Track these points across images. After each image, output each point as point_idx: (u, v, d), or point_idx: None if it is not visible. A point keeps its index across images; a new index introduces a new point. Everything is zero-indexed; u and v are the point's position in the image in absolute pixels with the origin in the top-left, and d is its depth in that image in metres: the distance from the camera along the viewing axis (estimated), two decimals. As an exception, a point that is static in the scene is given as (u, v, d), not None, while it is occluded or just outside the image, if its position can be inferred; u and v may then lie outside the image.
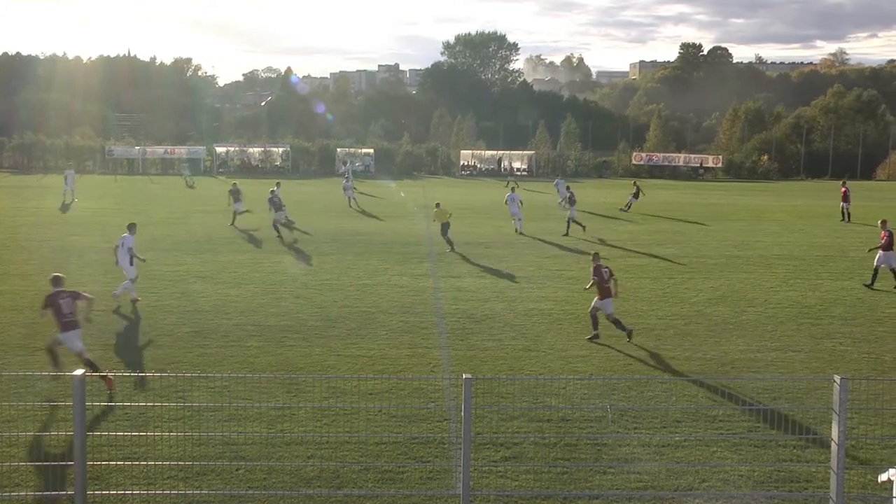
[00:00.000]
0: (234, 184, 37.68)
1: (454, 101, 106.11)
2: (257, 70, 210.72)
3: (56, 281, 13.81)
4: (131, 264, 20.43)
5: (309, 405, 12.85)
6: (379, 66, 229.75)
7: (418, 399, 13.46)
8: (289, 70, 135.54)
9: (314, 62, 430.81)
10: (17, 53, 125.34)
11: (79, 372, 6.97)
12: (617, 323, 17.10)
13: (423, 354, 16.04)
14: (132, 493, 9.48)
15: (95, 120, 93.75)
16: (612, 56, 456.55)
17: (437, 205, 30.81)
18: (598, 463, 10.92)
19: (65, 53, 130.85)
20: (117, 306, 19.46)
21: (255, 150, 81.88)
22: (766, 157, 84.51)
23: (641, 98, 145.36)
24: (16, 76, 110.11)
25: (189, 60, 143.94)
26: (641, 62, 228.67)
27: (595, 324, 17.22)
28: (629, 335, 17.02)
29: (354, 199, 45.07)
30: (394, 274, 24.38)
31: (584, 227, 34.01)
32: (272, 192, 32.79)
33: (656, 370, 15.39)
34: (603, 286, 17.09)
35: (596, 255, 18.13)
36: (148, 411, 12.22)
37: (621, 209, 43.29)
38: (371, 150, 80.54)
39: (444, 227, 29.69)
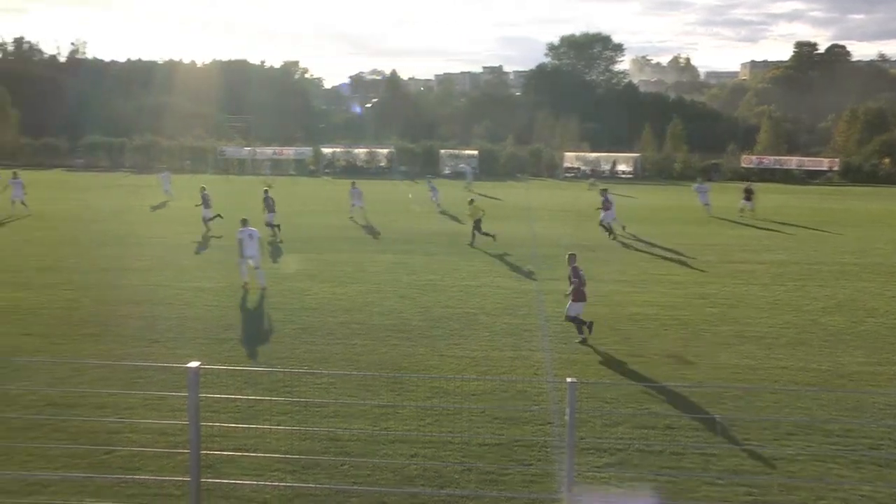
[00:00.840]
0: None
1: (558, 103, 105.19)
2: (363, 72, 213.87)
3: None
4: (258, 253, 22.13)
5: (412, 404, 12.97)
6: (483, 67, 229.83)
7: (521, 401, 13.41)
8: (394, 72, 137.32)
9: (419, 64, 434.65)
10: (139, 59, 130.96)
11: (194, 364, 7.20)
12: (578, 324, 17.05)
13: (527, 357, 15.97)
14: (242, 483, 9.74)
15: (209, 122, 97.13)
16: (721, 56, 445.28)
17: (471, 201, 31.67)
18: (707, 473, 10.65)
19: (181, 58, 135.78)
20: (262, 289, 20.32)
21: (360, 152, 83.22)
22: (888, 160, 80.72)
23: (752, 99, 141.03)
24: (136, 81, 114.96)
25: (297, 63, 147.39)
26: (752, 62, 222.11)
27: (579, 327, 17.09)
28: (583, 341, 16.87)
29: (438, 202, 45.19)
30: (497, 276, 24.36)
31: (610, 234, 32.91)
32: (266, 191, 33.96)
33: (766, 380, 14.90)
34: (580, 289, 17.03)
35: (572, 256, 17.80)
36: (257, 405, 12.55)
37: (740, 213, 41.79)
38: (475, 152, 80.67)
39: (477, 224, 30.56)
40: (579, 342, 16.96)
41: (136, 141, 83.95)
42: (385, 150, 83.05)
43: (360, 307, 19.91)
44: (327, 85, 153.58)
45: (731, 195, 48.76)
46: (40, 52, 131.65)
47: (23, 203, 37.89)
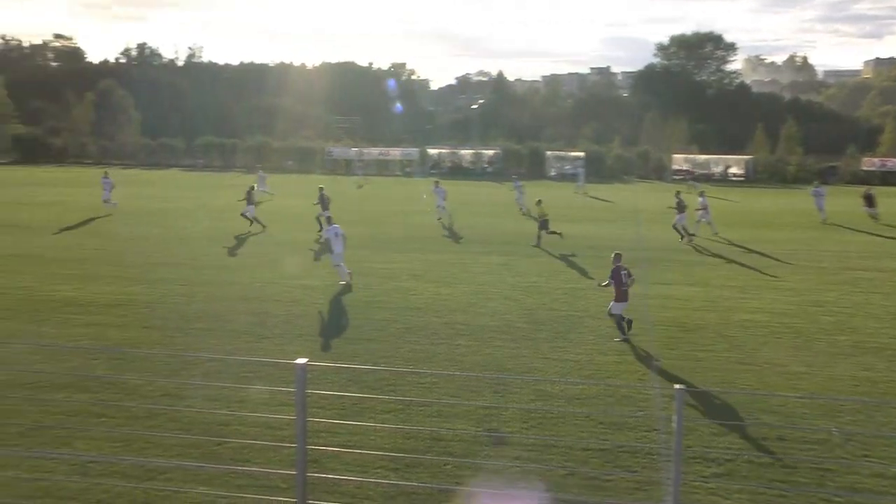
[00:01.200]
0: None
1: (667, 104, 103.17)
2: (469, 74, 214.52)
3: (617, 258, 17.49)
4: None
5: (516, 406, 12.91)
6: (591, 68, 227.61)
7: (626, 406, 13.18)
8: (500, 73, 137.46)
9: (526, 65, 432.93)
10: (251, 62, 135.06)
11: (301, 361, 7.34)
12: (619, 323, 17.35)
13: (632, 361, 15.70)
14: (347, 479, 9.89)
15: (317, 123, 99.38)
16: (840, 53, 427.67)
17: (539, 202, 32.41)
18: (822, 489, 10.22)
19: (292, 61, 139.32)
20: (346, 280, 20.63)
21: (466, 153, 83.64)
22: None
23: (875, 98, 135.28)
24: (249, 84, 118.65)
25: (404, 65, 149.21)
26: (877, 59, 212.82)
27: (620, 327, 17.35)
28: (625, 340, 17.08)
29: (522, 204, 44.56)
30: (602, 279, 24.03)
31: (683, 237, 32.09)
32: (321, 189, 34.50)
33: (889, 394, 14.22)
34: (620, 289, 17.30)
35: (617, 256, 17.88)
36: (361, 402, 12.72)
37: (874, 220, 39.91)
38: (581, 154, 79.94)
39: (543, 223, 31.32)
40: (619, 341, 17.02)
41: (248, 142, 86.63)
42: (491, 152, 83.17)
43: (464, 308, 19.96)
44: (434, 86, 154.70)
45: (848, 199, 46.85)
46: (160, 56, 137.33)
47: (107, 202, 38.99)
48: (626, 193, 58.11)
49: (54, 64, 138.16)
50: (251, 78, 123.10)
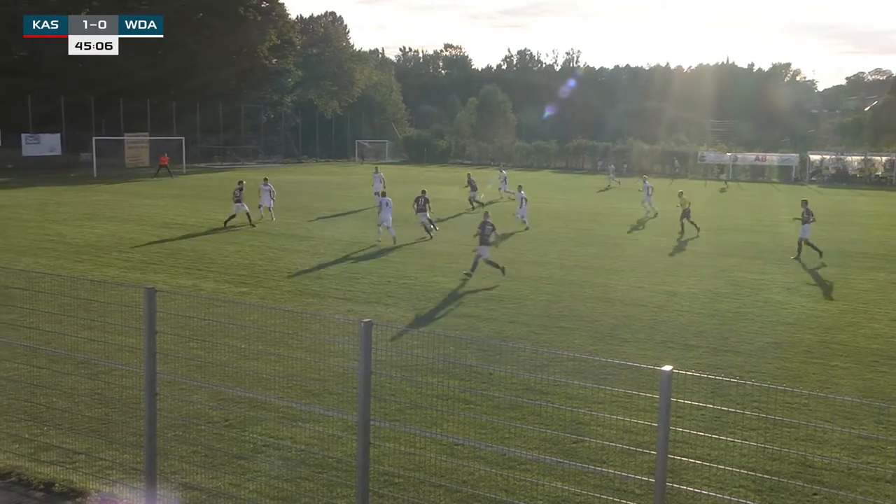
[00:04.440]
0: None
1: None
2: (863, 73, 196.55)
3: None
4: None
5: (901, 440, 11.60)
6: None
7: None
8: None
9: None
10: (626, 66, 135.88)
11: (667, 368, 7.19)
12: (491, 263, 23.03)
13: None
14: (705, 493, 9.53)
15: (691, 126, 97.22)
16: None
17: (681, 193, 35.00)
18: None
19: (667, 63, 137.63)
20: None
21: (852, 159, 76.90)
22: None
23: None
24: (622, 87, 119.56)
25: (787, 66, 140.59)
26: None
27: (474, 266, 23.12)
28: (503, 271, 22.95)
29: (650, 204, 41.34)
30: None
31: (820, 252, 27.63)
32: (423, 192, 32.23)
33: None
34: (484, 237, 23.28)
35: (486, 214, 24.71)
36: (724, 416, 12.21)
37: None
38: None
39: (685, 213, 33.67)
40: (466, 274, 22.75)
41: (619, 145, 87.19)
42: (883, 158, 75.61)
43: (842, 326, 18.36)
44: (820, 87, 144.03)
45: None
46: (539, 62, 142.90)
47: (269, 209, 35.39)
48: None
49: (444, 72, 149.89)
50: (625, 81, 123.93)
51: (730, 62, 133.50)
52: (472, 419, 11.92)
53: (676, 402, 12.27)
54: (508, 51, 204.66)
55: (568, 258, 27.15)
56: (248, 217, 33.43)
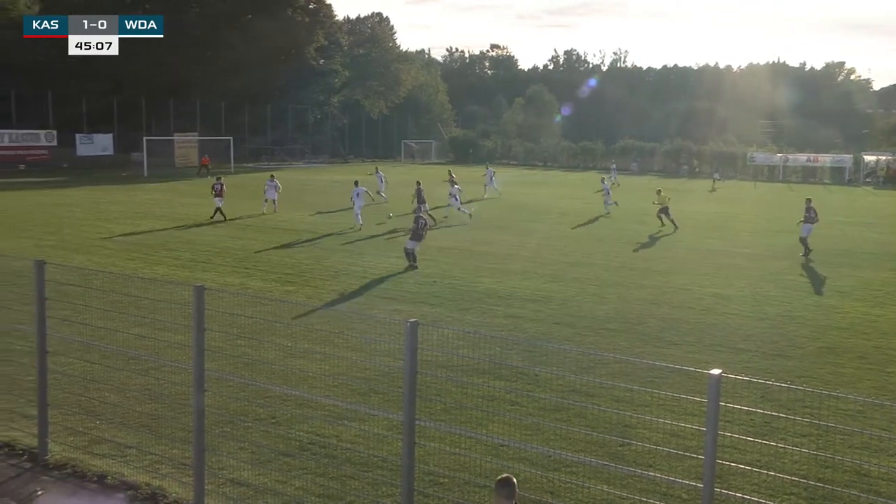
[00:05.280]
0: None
1: None
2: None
3: None
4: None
5: (959, 449, 11.29)
6: None
7: None
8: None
9: None
10: (674, 66, 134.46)
11: (715, 371, 7.08)
12: (410, 256, 24.53)
13: None
14: (755, 500, 9.37)
15: (740, 127, 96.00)
16: None
17: (659, 191, 36.67)
18: None
19: (716, 63, 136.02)
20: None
21: (906, 159, 75.35)
22: None
23: None
24: (670, 87, 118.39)
25: (841, 64, 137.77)
26: None
27: (412, 259, 24.48)
28: (415, 268, 24.06)
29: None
30: None
31: (808, 252, 28.22)
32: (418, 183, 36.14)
33: None
34: (417, 232, 24.47)
35: (419, 208, 27.94)
36: (774, 421, 11.99)
37: None
38: None
39: (664, 209, 35.27)
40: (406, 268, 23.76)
41: (666, 145, 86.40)
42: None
43: (898, 332, 17.97)
44: (876, 86, 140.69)
45: None
46: (586, 62, 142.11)
47: (273, 202, 38.65)
48: None
49: (490, 72, 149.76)
50: (673, 81, 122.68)
51: (781, 61, 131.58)
52: (517, 420, 11.88)
53: (725, 406, 12.11)
54: (555, 51, 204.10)
55: (614, 259, 26.94)
56: (221, 212, 35.30)
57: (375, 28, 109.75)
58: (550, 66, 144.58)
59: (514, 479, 6.94)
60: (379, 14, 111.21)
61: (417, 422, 8.18)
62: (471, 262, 25.76)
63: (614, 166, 69.02)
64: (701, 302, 20.62)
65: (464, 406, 12.28)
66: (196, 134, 73.41)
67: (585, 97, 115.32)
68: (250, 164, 75.23)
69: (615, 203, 42.66)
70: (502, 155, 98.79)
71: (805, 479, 10.02)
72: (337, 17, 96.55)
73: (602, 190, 43.76)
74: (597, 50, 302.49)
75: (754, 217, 42.24)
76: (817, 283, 23.71)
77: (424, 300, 20.12)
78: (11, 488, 9.65)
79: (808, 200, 29.49)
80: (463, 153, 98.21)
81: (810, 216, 28.74)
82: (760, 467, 10.26)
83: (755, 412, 12.10)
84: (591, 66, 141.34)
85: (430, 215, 31.55)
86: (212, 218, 34.95)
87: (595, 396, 13.08)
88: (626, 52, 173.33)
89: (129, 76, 71.38)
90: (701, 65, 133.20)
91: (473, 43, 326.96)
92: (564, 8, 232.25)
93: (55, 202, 40.81)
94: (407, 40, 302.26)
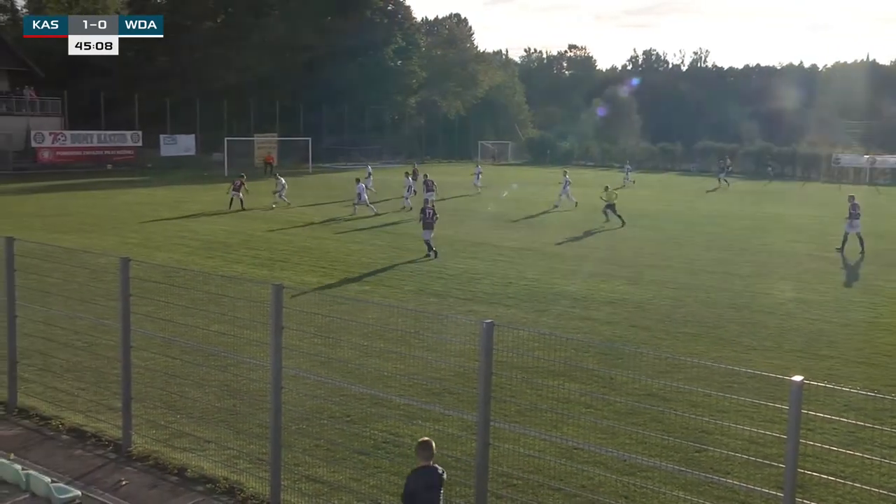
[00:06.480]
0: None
1: None
2: None
3: None
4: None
5: None
6: None
7: None
8: None
9: None
10: (756, 65, 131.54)
11: (797, 378, 6.91)
12: (428, 244, 25.80)
13: None
14: (836, 513, 9.11)
15: (825, 128, 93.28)
16: None
17: (606, 188, 37.48)
18: None
19: (801, 62, 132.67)
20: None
21: None
22: None
23: None
24: (752, 87, 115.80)
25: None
26: None
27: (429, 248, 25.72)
28: (434, 255, 25.56)
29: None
30: None
31: (841, 247, 29.08)
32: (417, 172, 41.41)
33: None
34: (426, 221, 25.81)
35: (426, 200, 29.19)
36: (859, 431, 11.63)
37: None
38: None
39: (609, 207, 35.80)
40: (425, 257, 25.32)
41: (747, 146, 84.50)
42: None
43: None
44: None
45: None
46: (665, 62, 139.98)
47: (282, 198, 40.99)
48: None
49: (567, 72, 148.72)
50: (755, 81, 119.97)
51: (870, 59, 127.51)
52: (592, 423, 11.79)
53: (806, 413, 11.80)
54: (634, 51, 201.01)
55: (692, 262, 26.48)
56: (241, 203, 38.98)
57: (453, 29, 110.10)
58: (629, 67, 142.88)
59: (434, 443, 7.69)
60: (457, 15, 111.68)
61: (492, 423, 8.18)
62: (545, 263, 25.65)
63: (629, 166, 67.81)
64: (782, 306, 20.13)
65: (538, 408, 12.23)
66: (275, 134, 74.68)
67: (665, 97, 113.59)
68: (327, 165, 76.11)
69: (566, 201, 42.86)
70: (579, 156, 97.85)
71: (894, 493, 9.69)
72: (415, 19, 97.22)
73: (562, 183, 43.70)
74: (677, 49, 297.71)
75: (840, 220, 40.92)
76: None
77: (500, 301, 20.10)
78: (97, 477, 9.99)
79: (852, 197, 30.04)
80: (540, 154, 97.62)
81: (855, 212, 29.35)
82: (845, 478, 9.95)
83: (839, 421, 11.75)
84: (670, 66, 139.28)
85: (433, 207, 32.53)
86: (230, 207, 38.66)
87: (671, 401, 12.87)
88: (706, 51, 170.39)
89: (208, 77, 73.06)
90: (784, 64, 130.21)
91: (551, 43, 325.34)
92: (643, 8, 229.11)
93: (140, 201, 42.03)
94: (484, 41, 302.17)
